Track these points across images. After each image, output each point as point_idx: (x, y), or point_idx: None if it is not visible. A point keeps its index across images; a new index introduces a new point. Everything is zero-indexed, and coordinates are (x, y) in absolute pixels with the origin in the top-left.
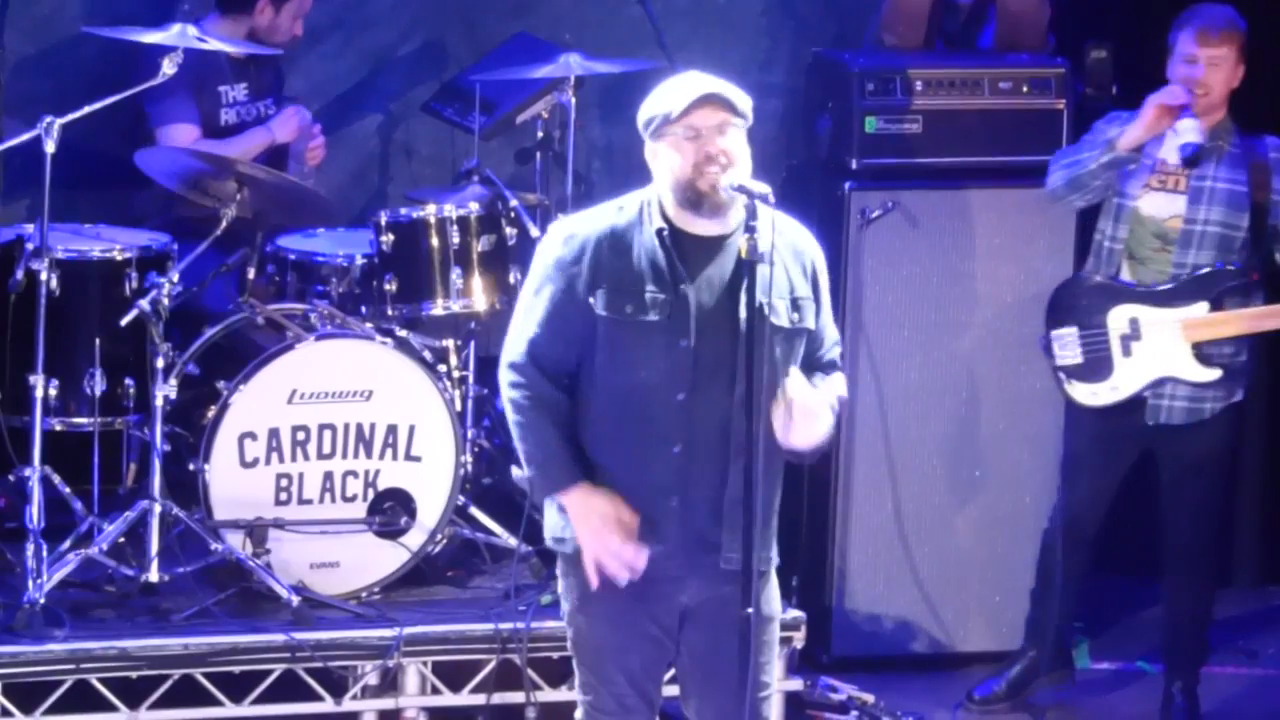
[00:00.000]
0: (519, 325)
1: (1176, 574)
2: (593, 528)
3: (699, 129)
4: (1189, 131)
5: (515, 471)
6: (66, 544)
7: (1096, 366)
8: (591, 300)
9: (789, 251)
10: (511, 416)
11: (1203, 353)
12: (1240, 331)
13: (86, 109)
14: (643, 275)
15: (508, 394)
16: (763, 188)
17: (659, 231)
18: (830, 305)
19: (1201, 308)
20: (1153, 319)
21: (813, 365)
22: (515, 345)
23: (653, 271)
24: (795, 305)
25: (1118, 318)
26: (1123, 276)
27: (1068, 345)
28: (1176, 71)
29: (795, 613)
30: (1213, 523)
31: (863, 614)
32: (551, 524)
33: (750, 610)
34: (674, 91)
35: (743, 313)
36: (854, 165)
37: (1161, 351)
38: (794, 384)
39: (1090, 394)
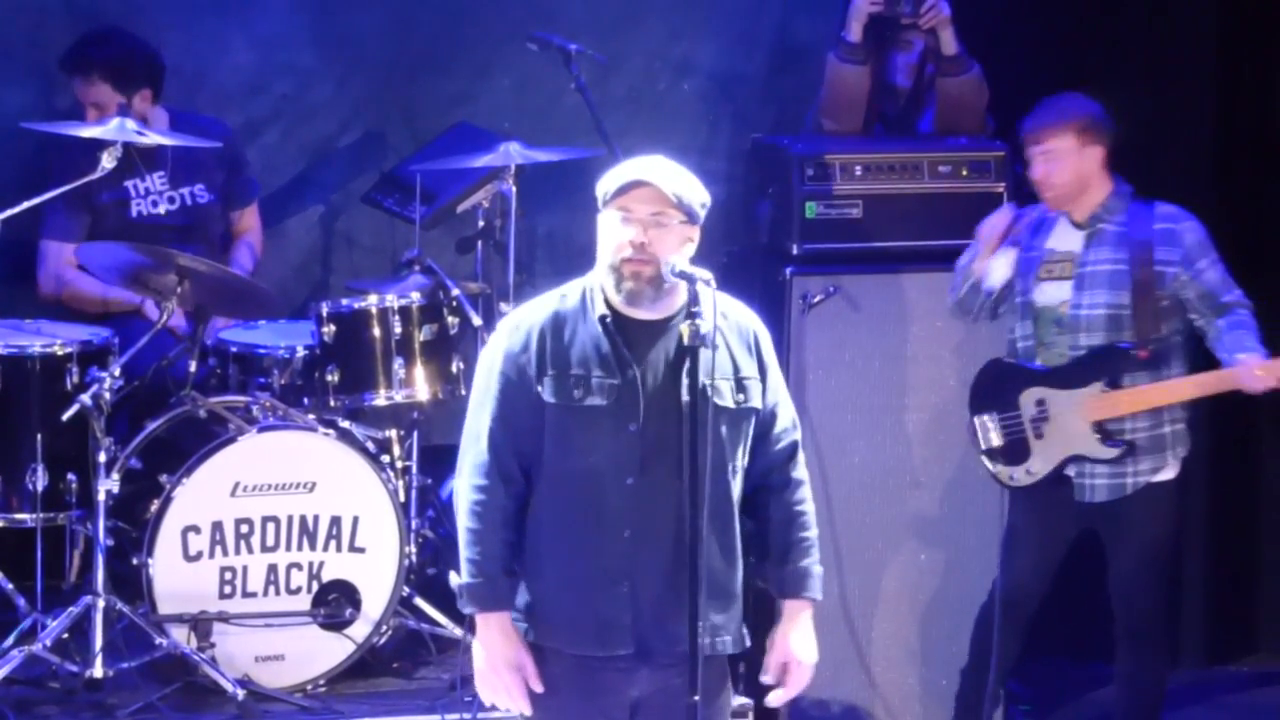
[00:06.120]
0: (476, 421)
1: (1127, 655)
2: (494, 661)
3: (630, 213)
4: (1000, 268)
5: (453, 578)
6: (10, 640)
7: (1016, 449)
8: (539, 388)
9: (733, 332)
10: (465, 522)
11: (1106, 430)
12: (1135, 408)
13: (25, 204)
14: (589, 361)
15: (468, 496)
16: (705, 274)
17: (602, 318)
18: (783, 383)
19: (1097, 387)
20: (1056, 399)
21: (769, 454)
22: (475, 444)
23: (598, 357)
24: (740, 386)
25: (1027, 400)
26: (1035, 363)
27: (989, 429)
28: (1030, 171)
29: (742, 699)
30: (1156, 601)
31: (810, 699)
32: None
33: (696, 698)
34: (621, 171)
35: (685, 396)
36: (795, 250)
37: (1068, 431)
38: (803, 648)
39: (1009, 477)
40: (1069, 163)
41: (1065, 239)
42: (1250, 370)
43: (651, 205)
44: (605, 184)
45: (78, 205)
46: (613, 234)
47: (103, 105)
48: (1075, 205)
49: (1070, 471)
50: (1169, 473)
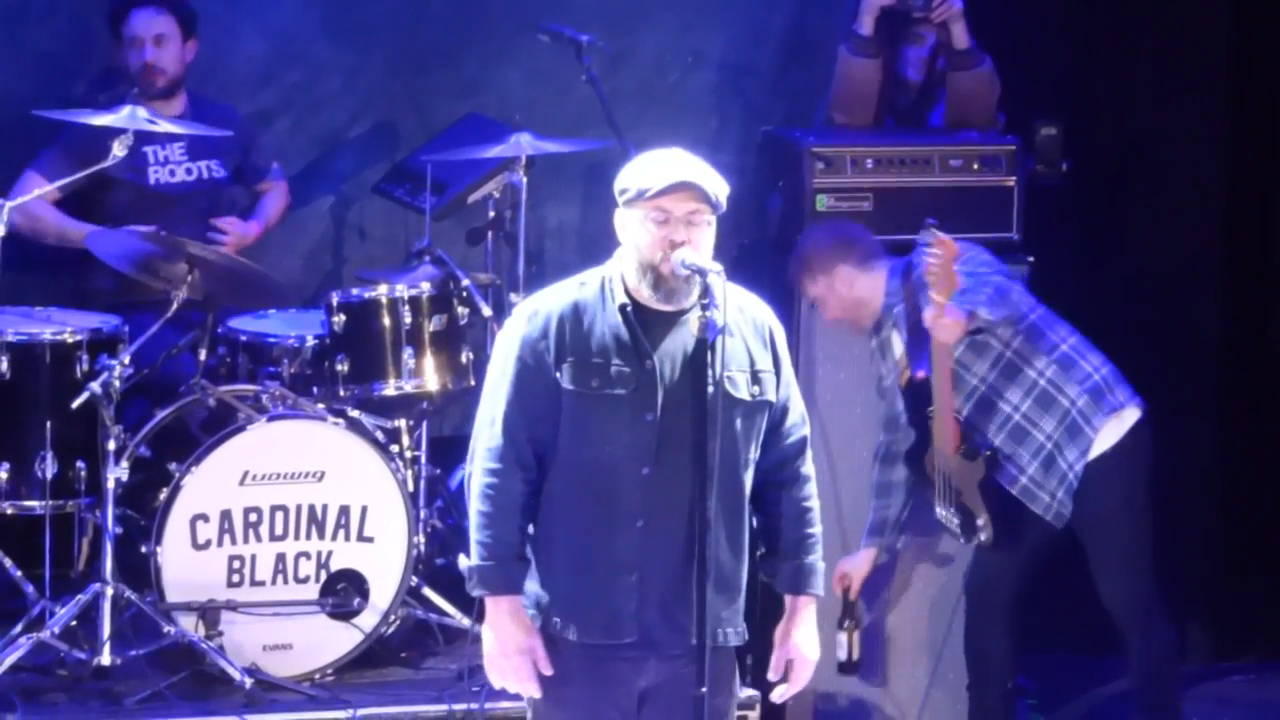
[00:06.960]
0: (490, 406)
1: (1129, 648)
2: (504, 645)
3: (669, 213)
4: (841, 651)
5: (462, 560)
6: (18, 628)
7: (965, 515)
8: (558, 375)
9: (749, 325)
10: (477, 505)
11: (967, 449)
12: (943, 409)
13: (36, 191)
14: (607, 349)
15: (481, 479)
16: (715, 266)
17: (622, 307)
18: (794, 378)
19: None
20: (934, 455)
21: (780, 448)
22: (490, 428)
23: (617, 346)
24: (756, 378)
25: (933, 472)
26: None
27: (945, 516)
28: None
29: (750, 692)
30: (1134, 583)
31: (818, 693)
32: None
33: (704, 690)
34: (654, 168)
35: (710, 387)
36: None
37: (958, 472)
38: (806, 643)
39: (982, 540)
40: (828, 302)
41: (898, 344)
42: (929, 322)
43: (689, 205)
44: (635, 181)
45: (74, 150)
46: (647, 233)
47: (164, 40)
48: (872, 317)
49: (1038, 509)
50: (1102, 445)
